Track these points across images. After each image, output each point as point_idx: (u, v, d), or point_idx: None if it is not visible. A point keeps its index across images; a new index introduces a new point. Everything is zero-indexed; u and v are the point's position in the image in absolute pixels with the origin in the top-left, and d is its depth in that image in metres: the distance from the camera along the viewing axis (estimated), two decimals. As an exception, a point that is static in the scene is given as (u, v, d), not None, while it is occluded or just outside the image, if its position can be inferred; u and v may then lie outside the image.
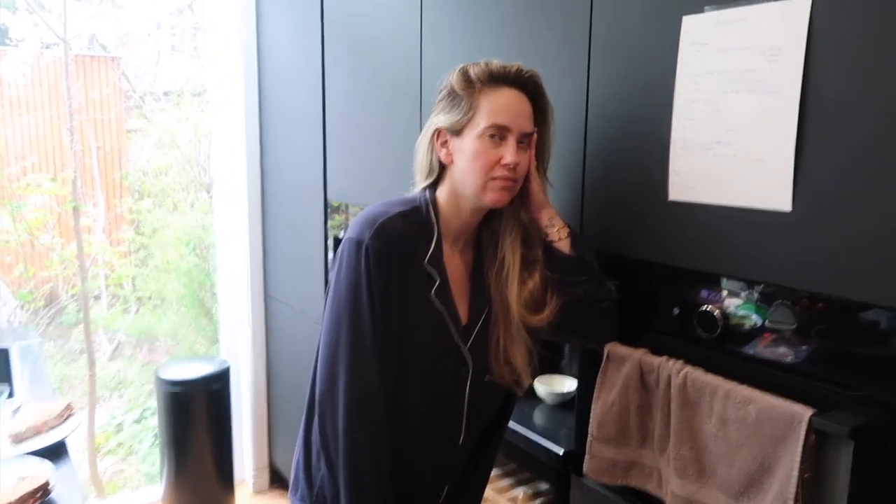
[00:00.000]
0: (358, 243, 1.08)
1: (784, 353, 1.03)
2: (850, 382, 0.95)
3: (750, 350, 1.07)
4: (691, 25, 1.07)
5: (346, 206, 2.13)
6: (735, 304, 1.09)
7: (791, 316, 1.02)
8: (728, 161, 1.03)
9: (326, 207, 2.24)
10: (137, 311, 4.11)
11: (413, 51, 1.71)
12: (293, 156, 2.46)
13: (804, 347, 1.01)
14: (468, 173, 1.10)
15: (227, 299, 2.90)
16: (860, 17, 0.87)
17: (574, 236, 1.19)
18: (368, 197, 1.97)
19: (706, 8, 1.04)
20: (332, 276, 1.13)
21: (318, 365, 1.12)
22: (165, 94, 4.76)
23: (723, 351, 1.10)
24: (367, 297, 1.07)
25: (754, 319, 1.07)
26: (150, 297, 4.04)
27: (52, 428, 1.42)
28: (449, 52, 1.60)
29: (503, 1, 1.43)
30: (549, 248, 1.18)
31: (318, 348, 1.13)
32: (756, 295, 1.06)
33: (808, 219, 0.94)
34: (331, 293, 1.12)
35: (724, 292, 1.10)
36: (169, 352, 4.13)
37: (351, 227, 1.12)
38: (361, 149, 2.02)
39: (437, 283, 1.13)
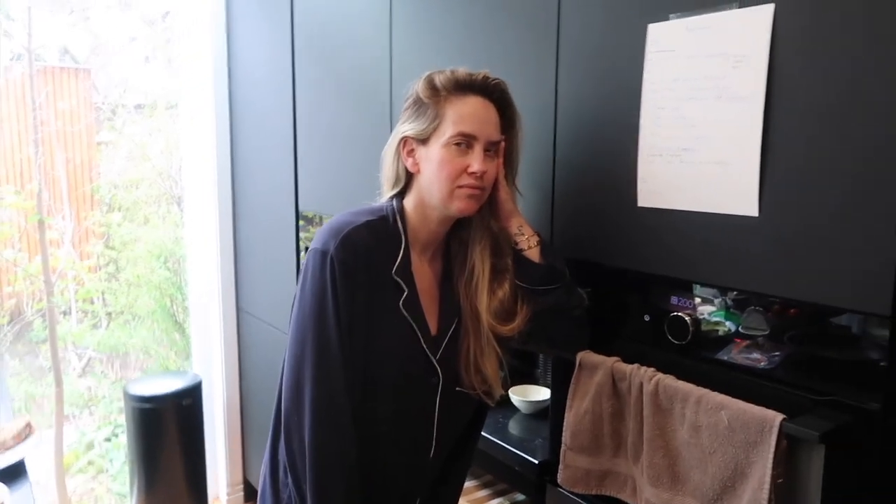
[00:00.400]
0: (323, 254, 1.06)
1: (757, 359, 1.03)
2: (822, 387, 0.94)
3: (723, 356, 1.06)
4: (657, 33, 1.07)
5: (320, 218, 2.11)
6: (708, 310, 1.08)
7: (763, 321, 1.02)
8: (695, 167, 1.03)
9: (298, 218, 2.21)
10: (108, 326, 4.02)
11: (382, 58, 1.70)
12: (264, 166, 2.43)
13: (777, 353, 1.01)
14: (435, 182, 1.09)
15: (198, 313, 2.84)
16: (822, 25, 0.87)
17: (544, 244, 1.18)
18: (340, 206, 1.93)
19: (671, 16, 1.04)
20: (298, 287, 1.11)
21: (284, 378, 1.09)
22: (137, 106, 4.70)
23: (695, 357, 1.10)
24: (333, 308, 1.05)
25: (727, 326, 1.06)
26: (121, 312, 3.95)
27: (10, 448, 1.37)
28: (418, 59, 1.59)
29: (472, 9, 1.43)
30: (518, 256, 1.17)
31: (284, 362, 1.10)
32: (729, 301, 1.06)
33: (774, 224, 0.94)
34: (296, 305, 1.10)
35: (697, 299, 1.10)
36: (141, 367, 4.04)
37: (316, 237, 1.10)
38: (333, 158, 1.99)
39: (406, 293, 1.11)
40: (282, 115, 2.23)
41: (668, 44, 1.05)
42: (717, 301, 1.07)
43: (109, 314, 4.00)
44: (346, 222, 1.09)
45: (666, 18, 1.05)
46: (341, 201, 1.96)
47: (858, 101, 0.84)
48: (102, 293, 3.96)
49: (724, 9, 0.97)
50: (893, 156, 0.81)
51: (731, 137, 0.98)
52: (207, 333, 2.83)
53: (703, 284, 1.08)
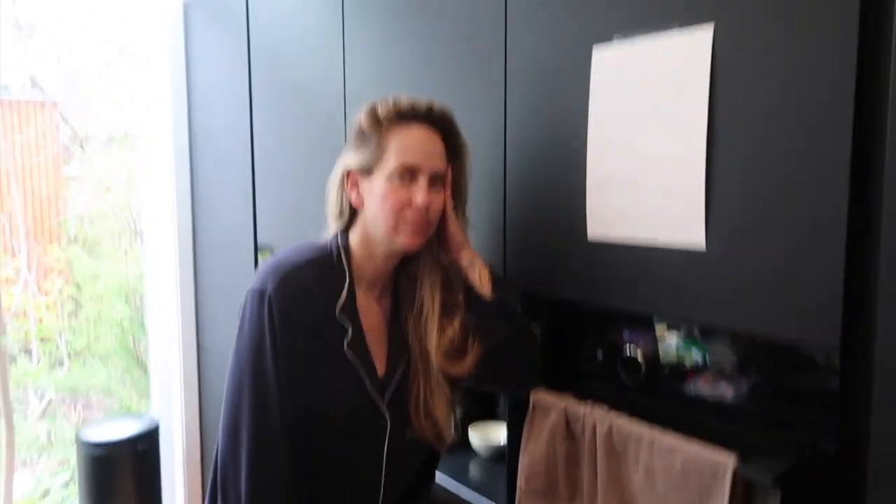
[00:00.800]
0: (260, 294, 1.01)
1: (724, 391, 0.99)
2: (789, 417, 0.91)
3: (690, 389, 1.02)
4: (601, 55, 1.04)
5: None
6: (671, 342, 1.05)
7: (730, 352, 0.98)
8: (643, 198, 1.00)
9: (257, 251, 2.15)
10: (67, 366, 3.89)
11: (336, 90, 1.67)
12: (224, 199, 2.38)
13: (744, 384, 0.97)
14: (379, 216, 1.05)
15: (158, 351, 2.75)
16: (764, 51, 0.85)
17: (495, 278, 1.14)
18: (299, 239, 1.89)
19: (615, 37, 1.02)
20: (236, 330, 1.05)
21: (220, 427, 1.03)
22: (109, 138, 4.63)
23: (654, 394, 1.06)
24: (272, 353, 1.00)
25: (694, 356, 1.03)
26: (81, 352, 3.83)
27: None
28: (371, 89, 1.56)
29: (422, 38, 1.41)
30: (469, 291, 1.13)
31: (222, 410, 1.04)
32: (695, 331, 1.02)
33: (722, 256, 0.91)
34: (233, 349, 1.04)
35: (658, 330, 1.06)
36: (102, 408, 3.90)
37: (255, 276, 1.05)
38: (291, 190, 1.95)
39: (350, 333, 1.06)
40: (240, 147, 2.19)
41: (612, 67, 1.03)
42: (681, 330, 1.03)
43: (70, 354, 3.88)
44: (286, 261, 1.05)
45: (609, 40, 1.03)
46: (300, 234, 1.91)
47: (801, 127, 0.82)
48: (62, 331, 3.83)
49: (667, 29, 0.95)
50: (838, 185, 0.79)
51: (676, 167, 0.95)
52: (167, 372, 2.73)
53: (660, 319, 1.05)
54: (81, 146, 4.69)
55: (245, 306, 1.03)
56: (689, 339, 1.05)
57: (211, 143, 2.45)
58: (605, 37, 1.03)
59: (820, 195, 0.80)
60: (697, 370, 1.02)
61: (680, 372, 1.03)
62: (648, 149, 0.98)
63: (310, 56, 1.80)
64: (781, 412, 0.94)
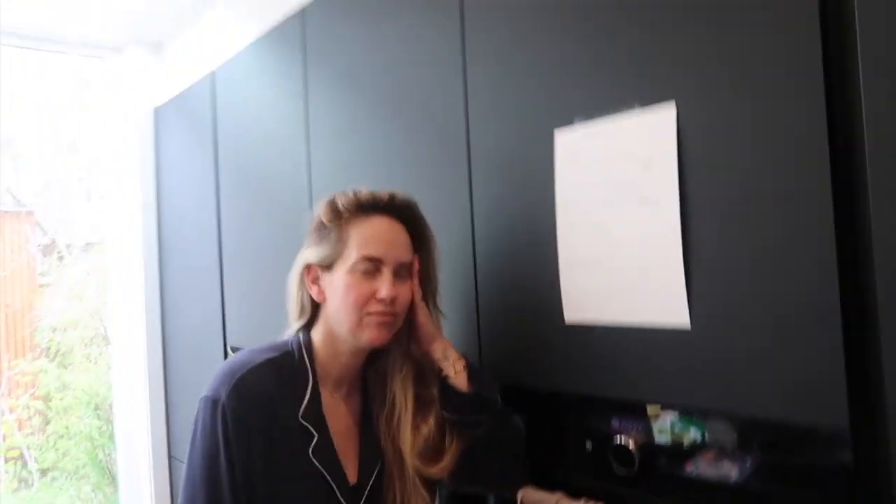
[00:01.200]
0: (213, 403, 0.93)
1: (728, 471, 0.90)
2: (798, 497, 0.82)
3: (691, 470, 0.94)
4: (564, 139, 1.03)
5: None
6: (666, 421, 0.97)
7: (730, 428, 0.91)
8: (618, 277, 0.96)
9: (226, 353, 2.06)
10: (36, 485, 3.66)
11: (301, 184, 1.65)
12: (193, 301, 2.31)
13: (748, 462, 0.89)
14: (341, 311, 0.99)
15: (127, 463, 2.59)
16: (730, 122, 0.83)
17: (472, 369, 1.07)
18: (269, 339, 1.82)
19: (576, 119, 1.01)
20: (190, 441, 0.97)
21: None
22: (80, 246, 4.59)
23: (648, 484, 0.97)
24: (227, 467, 0.91)
25: (693, 435, 0.95)
26: (49, 469, 3.61)
27: None
28: (335, 183, 1.54)
29: (384, 127, 1.40)
30: (444, 385, 1.05)
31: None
32: (681, 409, 0.94)
33: (709, 334, 0.86)
34: (186, 461, 0.95)
35: (650, 410, 0.98)
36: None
37: (209, 381, 0.97)
38: (259, 290, 1.89)
39: (316, 439, 0.98)
40: (209, 248, 2.15)
41: (575, 149, 1.01)
42: (677, 409, 0.95)
43: (38, 471, 3.66)
44: (242, 363, 0.97)
45: (570, 123, 1.01)
46: (270, 334, 1.83)
47: (778, 193, 0.79)
48: (29, 448, 3.63)
49: (627, 110, 0.94)
50: (824, 250, 0.74)
51: (650, 243, 0.91)
52: (138, 486, 2.56)
53: (643, 403, 0.97)
54: (57, 254, 4.63)
55: (197, 416, 0.96)
56: (686, 416, 0.97)
57: (180, 247, 2.41)
58: (567, 120, 1.02)
59: (807, 262, 0.76)
60: (696, 450, 0.94)
61: (678, 454, 0.95)
62: (620, 228, 0.95)
63: (276, 155, 1.79)
64: (791, 493, 0.86)
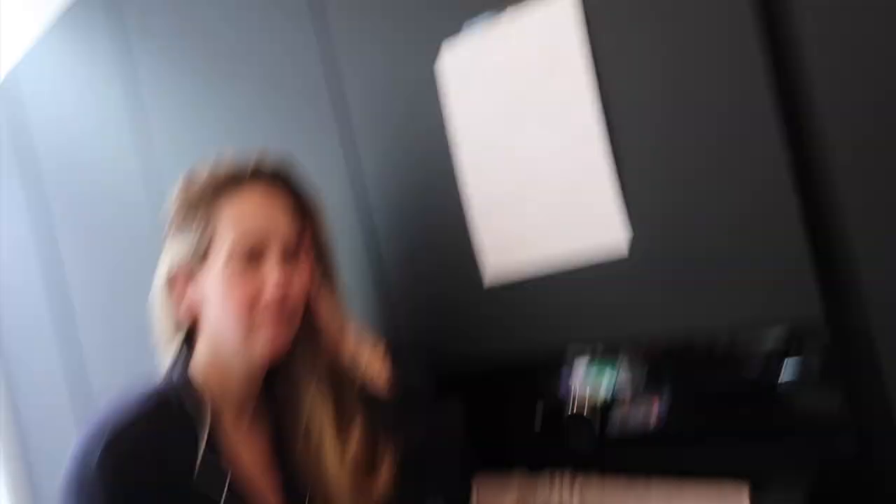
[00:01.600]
0: (79, 484, 0.71)
1: (649, 415, 0.80)
2: (723, 427, 0.74)
3: (616, 426, 0.83)
4: (452, 51, 0.88)
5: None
6: (580, 372, 0.86)
7: (639, 367, 0.81)
8: (538, 215, 0.83)
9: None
10: None
11: (140, 185, 1.42)
12: (43, 378, 1.96)
13: (664, 401, 0.79)
14: (225, 317, 0.80)
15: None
16: (645, 5, 0.73)
17: (391, 358, 0.92)
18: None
19: (464, 26, 0.86)
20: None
21: None
22: None
23: (610, 444, 0.86)
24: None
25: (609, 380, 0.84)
26: None
27: None
28: (186, 166, 1.33)
29: (234, 88, 1.20)
30: (364, 389, 0.89)
31: None
32: (591, 354, 0.84)
33: (654, 253, 0.75)
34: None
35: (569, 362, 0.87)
36: None
37: (69, 455, 0.74)
38: (121, 328, 1.62)
39: (227, 488, 0.77)
40: (55, 306, 1.83)
41: (468, 61, 0.87)
42: (588, 354, 0.84)
43: None
44: (105, 424, 0.74)
45: (458, 31, 0.87)
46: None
47: (703, 84, 0.69)
48: None
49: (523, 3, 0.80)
50: (770, 135, 0.66)
51: (571, 157, 0.79)
52: None
53: (585, 346, 0.86)
54: None
55: (63, 493, 0.73)
56: (598, 360, 0.86)
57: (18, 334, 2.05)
58: (453, 30, 0.87)
59: (752, 150, 0.67)
60: (617, 398, 0.84)
61: (611, 402, 0.84)
62: (533, 145, 0.82)
63: (107, 158, 1.54)
64: (721, 418, 0.78)
